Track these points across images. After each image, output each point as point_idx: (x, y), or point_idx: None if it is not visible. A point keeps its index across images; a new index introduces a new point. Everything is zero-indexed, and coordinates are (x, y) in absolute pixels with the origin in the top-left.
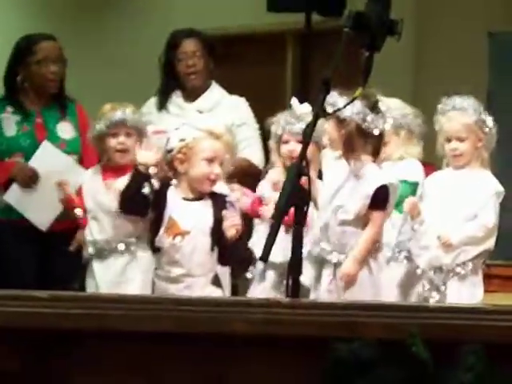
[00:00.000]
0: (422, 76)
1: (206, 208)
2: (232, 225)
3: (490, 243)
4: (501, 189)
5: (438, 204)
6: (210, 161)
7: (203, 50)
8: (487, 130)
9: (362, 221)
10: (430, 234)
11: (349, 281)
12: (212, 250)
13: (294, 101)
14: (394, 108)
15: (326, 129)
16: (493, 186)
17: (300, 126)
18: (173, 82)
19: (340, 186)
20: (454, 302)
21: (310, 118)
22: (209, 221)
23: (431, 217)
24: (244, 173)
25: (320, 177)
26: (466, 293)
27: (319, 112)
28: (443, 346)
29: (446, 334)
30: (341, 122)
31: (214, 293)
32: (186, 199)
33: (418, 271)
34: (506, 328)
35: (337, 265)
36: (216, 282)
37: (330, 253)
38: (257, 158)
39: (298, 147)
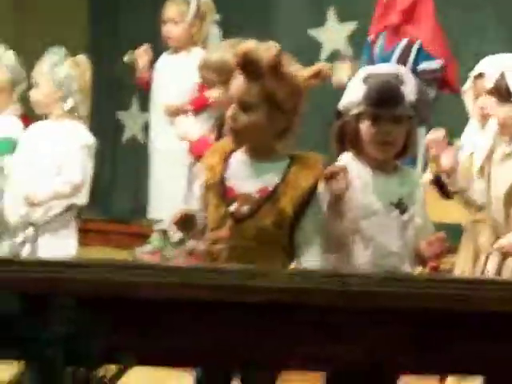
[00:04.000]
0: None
1: None
2: None
3: (80, 198)
4: (91, 141)
5: (28, 158)
6: None
7: None
8: None
9: None
10: (17, 190)
11: None
12: None
13: None
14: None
15: None
16: (81, 139)
17: None
18: None
19: None
20: (46, 255)
21: None
22: None
23: (19, 173)
24: None
25: None
26: (59, 246)
27: None
28: (37, 299)
29: (38, 286)
30: None
31: None
32: None
33: None
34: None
35: None
36: None
37: None
38: None
39: None
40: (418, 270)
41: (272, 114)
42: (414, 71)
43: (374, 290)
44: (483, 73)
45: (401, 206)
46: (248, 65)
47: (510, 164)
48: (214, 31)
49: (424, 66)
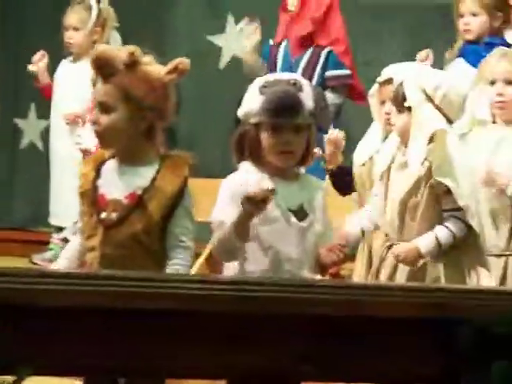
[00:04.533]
0: None
1: None
2: None
3: None
4: None
5: None
6: None
7: None
8: None
9: None
10: None
11: None
12: None
13: None
14: None
15: None
16: None
17: None
18: None
19: None
20: None
21: None
22: None
23: None
24: None
25: None
26: None
27: None
28: None
29: None
30: None
31: None
32: None
33: None
34: None
35: None
36: None
37: None
38: None
39: None
40: (318, 276)
41: (133, 113)
42: (322, 78)
43: (274, 296)
44: (390, 78)
45: (300, 213)
46: (102, 65)
47: (405, 173)
48: (115, 38)
49: (332, 72)
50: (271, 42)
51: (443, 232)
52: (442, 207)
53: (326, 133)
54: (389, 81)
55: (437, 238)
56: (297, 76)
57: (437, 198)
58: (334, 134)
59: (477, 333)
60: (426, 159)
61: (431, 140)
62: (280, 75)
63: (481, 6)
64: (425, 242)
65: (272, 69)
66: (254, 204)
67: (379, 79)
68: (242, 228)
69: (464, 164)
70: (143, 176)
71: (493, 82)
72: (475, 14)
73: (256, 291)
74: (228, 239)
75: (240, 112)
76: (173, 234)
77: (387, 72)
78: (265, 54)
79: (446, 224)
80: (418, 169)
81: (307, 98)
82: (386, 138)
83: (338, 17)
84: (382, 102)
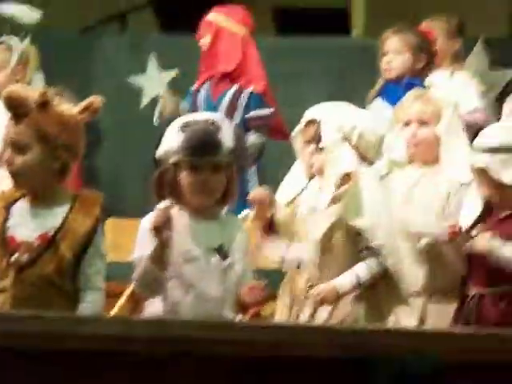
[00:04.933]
0: None
1: None
2: None
3: None
4: None
5: None
6: None
7: None
8: None
9: None
10: None
11: None
12: None
13: None
14: None
15: None
16: None
17: None
18: None
19: None
20: None
21: None
22: None
23: None
24: None
25: None
26: None
27: None
28: None
29: None
30: None
31: None
32: None
33: None
34: None
35: None
36: None
37: None
38: None
39: None
40: (239, 316)
41: (46, 152)
42: (244, 118)
43: (195, 336)
44: (313, 119)
45: (221, 252)
46: (14, 105)
47: (326, 212)
48: (39, 78)
49: (254, 112)
50: (192, 88)
51: (361, 270)
52: (358, 246)
53: (246, 171)
54: (312, 122)
55: (355, 277)
56: (216, 115)
57: (353, 237)
58: (257, 193)
59: (396, 373)
60: (339, 199)
61: (344, 180)
62: (199, 115)
63: (405, 45)
64: (343, 281)
65: (195, 111)
66: (157, 230)
67: (303, 120)
68: (158, 257)
69: (382, 204)
70: (55, 216)
71: (407, 123)
72: (398, 52)
73: (177, 331)
74: (147, 271)
75: (159, 151)
76: (84, 274)
77: (310, 113)
78: (188, 100)
79: (365, 262)
80: (334, 209)
81: (226, 137)
82: (310, 178)
83: (256, 57)
84: (307, 143)
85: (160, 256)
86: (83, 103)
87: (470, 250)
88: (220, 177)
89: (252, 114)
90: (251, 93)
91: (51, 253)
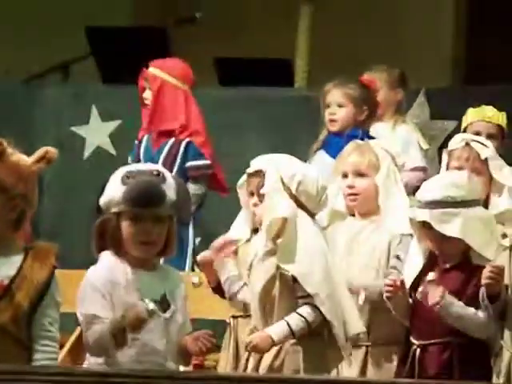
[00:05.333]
0: None
1: None
2: None
3: None
4: None
5: None
6: None
7: None
8: None
9: None
10: None
11: None
12: None
13: None
14: None
15: None
16: None
17: None
18: None
19: None
20: None
21: None
22: None
23: None
24: None
25: None
26: None
27: None
28: None
29: None
30: None
31: None
32: None
33: None
34: None
35: None
36: None
37: None
38: None
39: None
40: (182, 367)
41: (4, 202)
42: (182, 169)
43: None
44: (258, 170)
45: (163, 304)
46: None
47: (265, 263)
48: None
49: (192, 163)
50: (136, 141)
51: (294, 319)
52: (295, 294)
53: (187, 224)
54: (257, 172)
55: (287, 325)
56: (159, 167)
57: (291, 286)
58: (203, 256)
59: None
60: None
61: (281, 229)
62: (143, 165)
63: (347, 97)
64: (276, 330)
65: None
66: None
67: (248, 170)
68: (120, 336)
69: (318, 252)
70: (10, 265)
71: (345, 175)
72: (341, 105)
73: (122, 383)
74: (103, 339)
75: (101, 201)
76: (40, 323)
77: (255, 164)
78: (133, 152)
79: (298, 311)
80: (272, 261)
81: (170, 189)
82: (254, 229)
83: (196, 111)
84: (251, 194)
85: (123, 336)
86: (37, 153)
87: (421, 302)
88: (161, 228)
89: (189, 164)
90: (189, 144)
91: (7, 301)
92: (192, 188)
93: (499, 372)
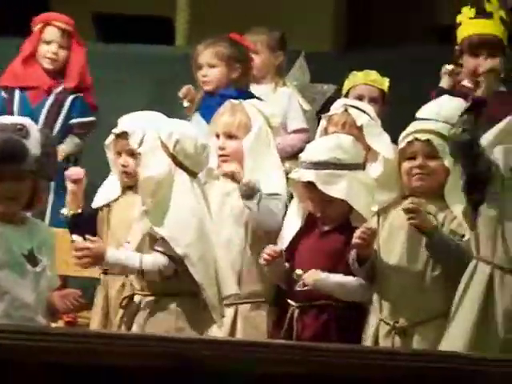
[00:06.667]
0: None
1: None
2: None
3: None
4: None
5: None
6: None
7: None
8: None
9: None
10: None
11: None
12: None
13: None
14: None
15: None
16: None
17: None
18: None
19: None
20: None
21: None
22: None
23: None
24: None
25: None
26: None
27: None
28: None
29: None
30: None
31: None
32: None
33: None
34: None
35: None
36: None
37: None
38: None
39: None
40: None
41: None
42: (67, 125)
43: (9, 344)
44: (125, 131)
45: (32, 258)
46: None
47: (140, 224)
48: None
49: (78, 119)
50: (3, 93)
51: (148, 259)
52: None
53: (52, 180)
54: (123, 134)
55: (138, 257)
56: (25, 120)
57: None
58: (73, 171)
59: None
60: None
61: (157, 188)
62: (6, 119)
63: (218, 57)
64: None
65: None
66: None
67: (115, 130)
68: None
69: (191, 212)
70: None
71: (217, 136)
72: (213, 65)
73: None
74: None
75: None
76: None
77: (123, 124)
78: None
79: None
80: (146, 221)
81: (33, 145)
82: (126, 188)
83: (82, 61)
84: (118, 153)
85: None
86: None
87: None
88: (24, 185)
89: (76, 120)
90: (75, 100)
91: None
92: (75, 142)
93: (368, 336)
